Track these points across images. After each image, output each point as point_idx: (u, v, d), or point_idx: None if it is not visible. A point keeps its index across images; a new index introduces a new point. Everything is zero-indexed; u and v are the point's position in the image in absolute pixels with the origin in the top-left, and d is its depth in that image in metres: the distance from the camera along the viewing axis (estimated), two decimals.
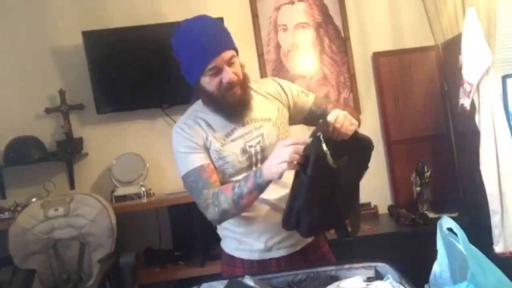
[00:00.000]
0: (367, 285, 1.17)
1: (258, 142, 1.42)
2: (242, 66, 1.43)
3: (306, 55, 3.01)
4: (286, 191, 1.41)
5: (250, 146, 1.42)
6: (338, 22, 3.01)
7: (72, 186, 2.84)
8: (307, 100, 1.55)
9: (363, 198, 2.91)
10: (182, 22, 1.41)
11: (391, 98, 2.97)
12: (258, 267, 1.45)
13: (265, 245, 1.45)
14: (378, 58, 3.00)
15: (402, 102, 2.97)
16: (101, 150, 2.88)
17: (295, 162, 1.18)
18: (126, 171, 2.76)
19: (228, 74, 1.35)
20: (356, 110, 1.48)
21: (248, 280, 1.26)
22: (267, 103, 1.49)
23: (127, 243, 2.65)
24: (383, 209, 2.93)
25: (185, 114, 1.51)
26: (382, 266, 1.25)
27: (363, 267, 1.26)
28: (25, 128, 2.77)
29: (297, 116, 1.56)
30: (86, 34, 2.75)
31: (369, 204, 2.91)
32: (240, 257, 1.48)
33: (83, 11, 2.87)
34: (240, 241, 1.48)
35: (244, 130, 1.43)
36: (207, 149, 1.42)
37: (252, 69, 2.97)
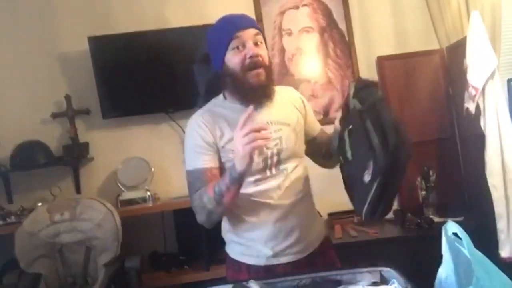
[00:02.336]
0: None
1: (276, 145, 1.42)
2: (269, 58, 1.45)
3: (310, 60, 3.01)
4: (293, 197, 1.42)
5: (267, 148, 1.40)
6: (342, 26, 3.01)
7: (78, 190, 2.85)
8: (317, 125, 1.61)
9: None
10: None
11: (395, 102, 2.97)
12: (264, 273, 1.45)
13: (272, 251, 1.44)
14: (382, 62, 3.00)
15: (407, 106, 2.96)
16: (107, 154, 2.90)
17: (253, 143, 1.20)
18: (132, 176, 2.77)
19: (252, 48, 1.36)
20: None
21: (253, 284, 1.26)
22: (288, 108, 1.50)
23: (132, 247, 2.65)
24: (388, 214, 2.92)
25: (205, 105, 1.51)
26: (387, 271, 1.24)
27: (368, 272, 1.26)
28: (32, 133, 2.79)
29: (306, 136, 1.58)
30: (92, 40, 2.77)
31: None
32: (245, 262, 1.48)
33: (89, 17, 2.89)
34: (246, 246, 1.47)
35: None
36: (217, 149, 1.42)
37: None
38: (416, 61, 2.97)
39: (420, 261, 2.34)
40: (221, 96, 1.50)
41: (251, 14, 2.96)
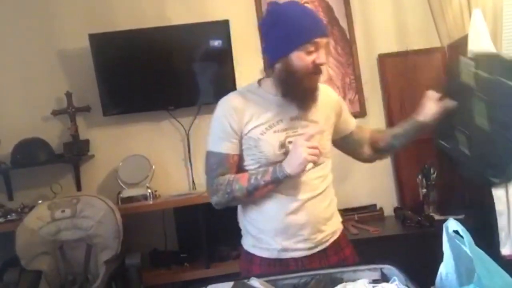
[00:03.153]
0: (373, 287, 1.17)
1: None
2: None
3: None
4: (309, 193, 1.43)
5: (290, 142, 1.41)
6: (343, 24, 3.01)
7: (78, 187, 2.85)
8: (353, 120, 1.65)
9: (369, 200, 2.92)
10: (280, 4, 1.42)
11: (396, 100, 2.97)
12: (275, 266, 1.45)
13: (281, 245, 1.45)
14: (383, 59, 2.99)
15: (407, 104, 2.96)
16: (108, 152, 2.90)
17: (315, 156, 1.32)
18: (132, 173, 2.77)
19: (323, 56, 1.38)
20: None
21: (254, 282, 1.26)
22: (322, 107, 1.49)
23: (133, 244, 2.65)
24: (388, 211, 2.92)
25: (238, 90, 1.54)
26: (388, 268, 1.24)
27: (369, 269, 1.26)
28: (32, 130, 2.79)
29: (337, 134, 1.60)
30: (93, 37, 2.77)
31: (374, 206, 2.91)
32: (257, 255, 1.48)
33: (90, 14, 2.88)
34: (257, 238, 1.48)
35: (290, 125, 1.43)
36: (241, 137, 1.43)
37: (257, 71, 2.97)
38: (417, 59, 2.97)
39: (421, 259, 2.34)
40: (255, 83, 1.49)
41: (252, 11, 2.96)
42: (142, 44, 2.82)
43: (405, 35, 3.02)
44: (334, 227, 1.52)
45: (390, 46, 3.01)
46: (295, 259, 1.45)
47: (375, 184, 2.90)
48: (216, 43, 2.86)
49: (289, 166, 1.34)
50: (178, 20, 2.86)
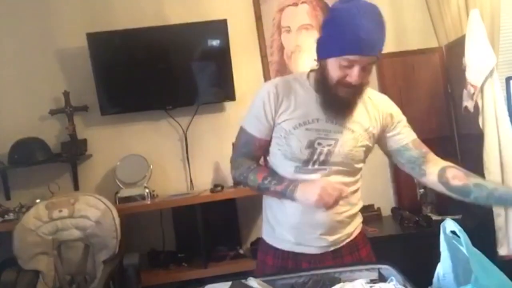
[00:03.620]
0: (371, 287, 1.17)
1: (329, 145, 1.39)
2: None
3: (309, 57, 3.00)
4: None
5: (319, 144, 1.38)
6: None
7: (76, 187, 2.85)
8: (410, 134, 1.54)
9: (367, 200, 2.91)
10: (347, 2, 1.31)
11: (394, 100, 2.90)
12: (288, 259, 1.45)
13: (294, 239, 1.44)
14: (381, 60, 2.99)
15: (405, 104, 2.94)
16: (105, 151, 2.89)
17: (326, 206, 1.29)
18: (130, 173, 2.77)
19: (356, 77, 1.31)
20: None
21: (251, 282, 1.26)
22: (363, 116, 1.44)
23: (130, 244, 2.65)
24: (386, 211, 2.93)
25: (284, 77, 1.50)
26: (385, 268, 1.25)
27: (367, 269, 1.26)
28: (30, 130, 2.79)
29: (386, 146, 1.53)
30: (91, 36, 2.76)
31: (372, 206, 2.91)
32: (273, 245, 1.49)
33: (88, 13, 2.88)
34: (273, 229, 1.48)
35: (324, 127, 1.39)
36: (273, 123, 1.42)
37: (255, 71, 2.97)
38: (415, 59, 2.97)
39: (418, 259, 2.35)
40: (305, 73, 1.46)
41: (250, 11, 2.96)
42: (140, 43, 2.82)
43: (403, 35, 3.03)
44: (351, 228, 1.50)
45: (388, 46, 2.99)
46: (307, 255, 1.44)
47: (373, 184, 2.90)
48: (214, 42, 2.86)
49: (300, 195, 1.33)
50: (176, 20, 2.85)
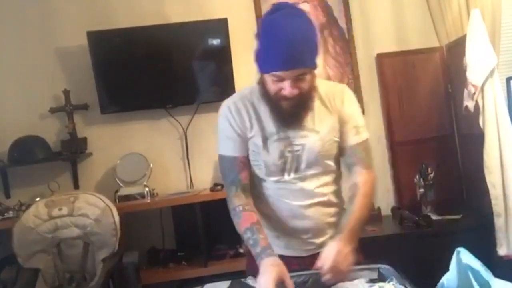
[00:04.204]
0: (370, 286, 1.17)
1: (297, 151, 1.38)
2: (313, 80, 1.35)
3: None
4: (310, 200, 1.41)
5: (289, 151, 1.38)
6: (342, 23, 3.00)
7: (76, 185, 2.85)
8: (350, 139, 1.44)
9: None
10: (272, 15, 1.29)
11: (395, 100, 2.97)
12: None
13: (284, 243, 1.45)
14: (382, 59, 2.99)
15: (406, 104, 2.96)
16: (105, 150, 2.89)
17: None
18: (130, 171, 2.77)
19: (289, 90, 1.28)
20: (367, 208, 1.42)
21: (250, 281, 1.26)
22: (324, 114, 1.41)
23: (130, 243, 2.65)
24: (386, 211, 2.93)
25: (239, 92, 1.48)
26: (385, 268, 1.25)
27: (366, 269, 1.26)
28: (30, 128, 2.79)
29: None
30: (91, 35, 2.76)
31: (372, 205, 2.91)
32: None
33: (88, 12, 2.88)
34: None
35: (290, 134, 1.38)
36: (245, 139, 1.41)
37: (255, 70, 2.96)
38: (416, 59, 2.97)
39: (418, 259, 2.35)
40: (257, 86, 1.42)
41: (251, 11, 2.95)
42: (141, 42, 2.82)
43: (403, 34, 3.02)
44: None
45: (389, 45, 3.01)
46: (297, 258, 1.44)
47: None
48: (215, 41, 2.85)
49: (260, 274, 1.22)
50: (176, 18, 2.85)
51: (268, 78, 1.32)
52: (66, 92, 2.81)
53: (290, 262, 1.43)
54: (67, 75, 2.88)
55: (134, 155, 2.81)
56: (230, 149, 1.42)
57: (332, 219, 1.47)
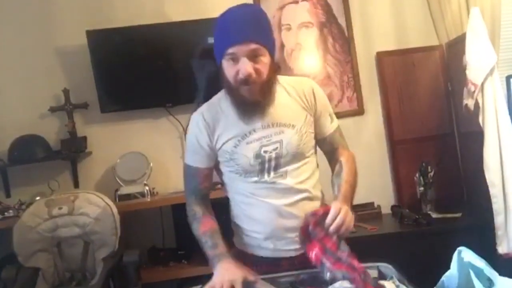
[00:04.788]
0: None
1: (275, 149, 1.37)
2: (271, 67, 1.34)
3: (309, 55, 3.00)
4: (294, 197, 1.40)
5: (266, 152, 1.37)
6: (342, 21, 3.00)
7: (76, 184, 2.85)
8: (328, 127, 1.48)
9: (366, 197, 2.92)
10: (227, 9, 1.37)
11: (395, 98, 2.97)
12: (268, 264, 1.44)
13: (273, 245, 1.44)
14: (382, 57, 2.99)
15: (406, 102, 2.96)
16: (105, 149, 2.89)
17: None
18: (130, 170, 2.77)
19: (244, 67, 1.27)
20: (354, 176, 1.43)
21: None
22: (295, 107, 1.41)
23: (130, 241, 2.66)
24: (386, 209, 2.93)
25: (210, 100, 1.47)
26: (385, 267, 1.25)
27: (366, 267, 1.26)
28: (30, 127, 2.79)
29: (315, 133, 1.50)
30: (91, 34, 2.76)
31: (372, 204, 2.91)
32: (250, 253, 1.47)
33: (88, 10, 2.87)
34: (250, 237, 1.47)
35: (263, 133, 1.37)
36: (213, 150, 1.42)
37: None
38: (416, 57, 2.97)
39: (418, 257, 2.36)
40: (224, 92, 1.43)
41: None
42: (140, 41, 2.81)
43: (403, 33, 3.02)
44: None
45: (389, 44, 3.01)
46: (287, 258, 1.44)
47: (373, 182, 2.90)
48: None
49: (215, 274, 1.37)
50: (176, 17, 2.85)
51: (226, 64, 1.32)
52: (66, 91, 2.81)
53: (279, 264, 1.43)
54: (66, 74, 2.88)
55: (134, 154, 2.81)
56: (194, 160, 1.46)
57: None
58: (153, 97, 2.85)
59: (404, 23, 3.03)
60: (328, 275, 1.17)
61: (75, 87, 2.85)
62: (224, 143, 1.39)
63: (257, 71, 1.29)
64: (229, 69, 1.32)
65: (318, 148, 1.54)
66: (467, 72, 2.39)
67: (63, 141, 2.82)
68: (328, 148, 1.51)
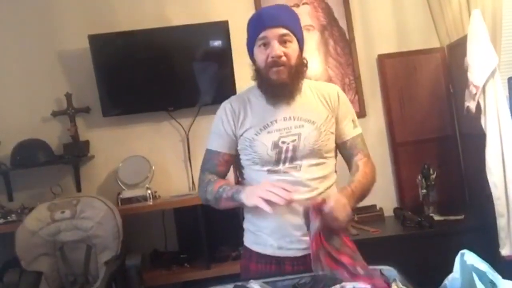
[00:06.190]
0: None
1: (293, 141, 1.43)
2: (300, 57, 1.46)
3: (311, 58, 2.99)
4: (304, 193, 1.41)
5: (283, 142, 1.42)
6: (343, 24, 3.01)
7: (78, 188, 2.85)
8: (350, 131, 1.53)
9: (368, 200, 2.91)
10: None
11: (396, 100, 2.97)
12: (271, 263, 1.46)
13: (277, 243, 1.45)
14: (383, 60, 3.00)
15: (407, 104, 2.96)
16: (107, 153, 2.90)
17: (268, 205, 1.27)
18: (132, 174, 2.77)
19: (275, 49, 1.38)
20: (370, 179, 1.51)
21: (253, 284, 1.26)
22: (318, 106, 1.49)
23: (133, 245, 2.66)
24: (388, 212, 2.92)
25: (241, 91, 1.59)
26: (387, 269, 1.25)
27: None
28: (32, 131, 2.79)
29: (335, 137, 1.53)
30: (92, 38, 2.77)
31: (374, 206, 2.91)
32: (256, 251, 1.50)
33: (90, 15, 2.89)
34: (256, 234, 1.50)
35: (284, 125, 1.44)
36: (234, 137, 1.49)
37: None
38: (417, 59, 2.97)
39: (420, 259, 2.35)
40: (255, 84, 1.52)
41: (252, 12, 2.89)
42: (142, 45, 2.82)
43: (404, 35, 3.02)
44: None
45: (390, 46, 3.01)
46: (290, 258, 1.45)
47: (375, 185, 2.88)
48: (216, 43, 2.86)
49: (246, 197, 1.36)
50: (177, 21, 2.86)
51: (257, 50, 1.44)
52: (68, 96, 2.81)
53: (283, 263, 1.45)
54: (69, 79, 2.89)
55: (136, 157, 2.82)
56: (216, 144, 1.52)
57: None
58: (155, 101, 2.85)
59: (405, 25, 3.03)
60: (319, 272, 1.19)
61: (77, 91, 2.86)
62: (246, 131, 1.46)
63: (286, 54, 1.40)
64: (260, 54, 1.42)
65: (339, 155, 1.57)
66: (469, 74, 2.39)
67: (65, 145, 2.83)
68: (348, 153, 1.53)
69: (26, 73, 2.87)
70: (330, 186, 1.49)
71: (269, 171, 1.44)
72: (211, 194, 1.45)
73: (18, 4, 2.87)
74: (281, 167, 1.43)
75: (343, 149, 1.54)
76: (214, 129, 1.54)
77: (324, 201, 1.27)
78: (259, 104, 1.48)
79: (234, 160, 1.53)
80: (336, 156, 1.55)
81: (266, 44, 1.40)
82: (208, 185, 1.47)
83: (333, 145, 1.51)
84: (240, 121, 1.48)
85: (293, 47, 1.43)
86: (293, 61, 1.42)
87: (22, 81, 2.87)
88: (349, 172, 1.54)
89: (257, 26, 1.42)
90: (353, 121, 1.54)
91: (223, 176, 1.53)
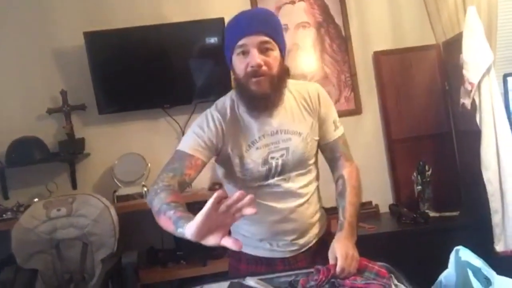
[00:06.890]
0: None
1: (282, 155, 1.38)
2: (281, 65, 1.35)
3: (307, 55, 3.01)
4: (295, 201, 1.41)
5: (272, 158, 1.38)
6: (339, 21, 3.01)
7: (74, 186, 2.85)
8: (331, 134, 1.47)
9: (364, 196, 2.91)
10: None
11: (392, 97, 2.97)
12: (262, 264, 1.45)
13: (269, 245, 1.45)
14: (379, 57, 3.00)
15: (403, 101, 2.97)
16: (103, 150, 2.89)
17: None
18: (128, 171, 2.77)
19: (255, 58, 1.28)
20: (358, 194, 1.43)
21: (249, 281, 1.26)
22: (302, 113, 1.43)
23: (129, 243, 2.65)
24: (384, 208, 2.93)
25: (224, 98, 1.45)
26: (383, 265, 1.25)
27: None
28: (27, 129, 2.78)
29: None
30: (88, 35, 2.75)
31: (370, 203, 2.91)
32: (245, 252, 1.47)
33: (85, 12, 2.87)
34: (246, 237, 1.47)
35: (272, 140, 1.38)
36: (214, 150, 1.38)
37: None
38: (413, 56, 2.98)
39: (416, 256, 2.36)
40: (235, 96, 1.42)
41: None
42: (138, 42, 2.81)
43: (400, 32, 3.03)
44: (319, 227, 1.51)
45: (386, 43, 3.02)
46: (282, 258, 1.45)
47: (371, 181, 2.89)
48: (212, 40, 2.85)
49: (189, 232, 1.14)
50: (173, 18, 2.85)
51: (236, 59, 1.33)
52: (63, 93, 2.80)
53: (274, 263, 1.44)
54: (64, 76, 2.88)
55: (132, 155, 2.81)
56: (191, 148, 1.35)
57: (314, 219, 1.49)
58: (151, 98, 2.85)
59: (401, 22, 3.04)
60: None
61: (73, 89, 2.84)
62: (234, 147, 1.38)
63: (266, 63, 1.30)
64: (239, 63, 1.32)
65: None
66: (464, 71, 2.39)
67: (61, 143, 2.82)
68: (330, 155, 1.50)
69: (21, 71, 2.85)
70: (314, 192, 1.48)
71: (259, 187, 1.40)
72: (160, 201, 1.27)
73: (13, 1, 2.85)
74: (270, 181, 1.40)
75: (325, 151, 1.50)
76: (192, 133, 1.39)
77: (334, 265, 1.23)
78: (245, 117, 1.39)
79: (202, 169, 1.37)
80: (317, 157, 1.51)
81: (245, 52, 1.29)
82: (163, 191, 1.28)
83: (316, 149, 1.48)
84: (226, 138, 1.38)
85: (274, 55, 1.32)
86: (275, 70, 1.31)
87: (17, 78, 2.86)
88: (331, 172, 1.51)
89: (235, 33, 1.31)
90: (334, 122, 1.47)
91: (188, 182, 1.35)
